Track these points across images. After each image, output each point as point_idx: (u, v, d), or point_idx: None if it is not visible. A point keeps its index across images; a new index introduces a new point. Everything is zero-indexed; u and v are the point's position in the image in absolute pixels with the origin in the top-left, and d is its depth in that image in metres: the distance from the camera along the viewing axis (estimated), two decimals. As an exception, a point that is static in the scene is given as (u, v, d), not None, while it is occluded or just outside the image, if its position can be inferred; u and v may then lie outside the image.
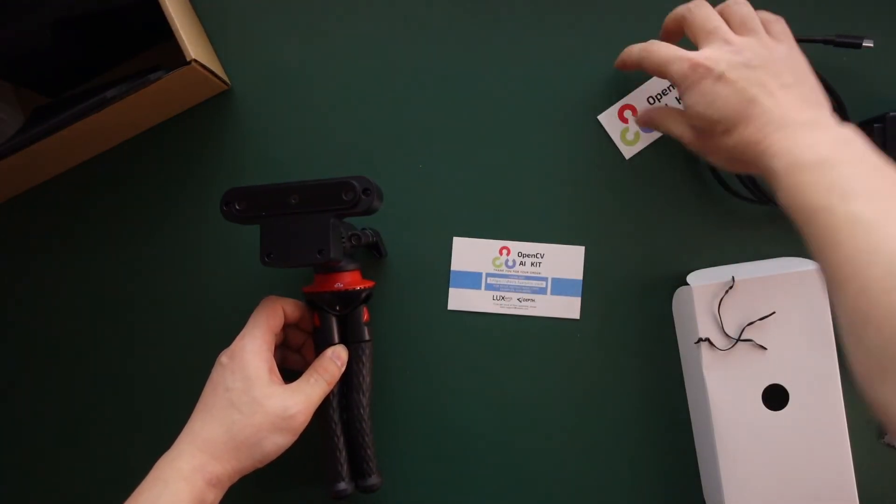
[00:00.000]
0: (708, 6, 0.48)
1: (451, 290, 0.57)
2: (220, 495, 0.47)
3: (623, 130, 0.57)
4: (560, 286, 0.57)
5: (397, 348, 0.57)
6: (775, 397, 0.52)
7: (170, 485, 0.44)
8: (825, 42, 0.55)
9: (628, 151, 0.57)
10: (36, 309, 0.58)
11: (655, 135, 0.57)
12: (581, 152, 0.57)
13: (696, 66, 0.46)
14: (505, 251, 0.57)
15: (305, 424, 0.49)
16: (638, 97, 0.57)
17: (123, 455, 0.58)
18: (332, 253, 0.47)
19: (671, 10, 0.51)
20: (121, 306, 0.58)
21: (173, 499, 0.44)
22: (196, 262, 0.58)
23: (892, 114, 0.52)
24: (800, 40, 0.55)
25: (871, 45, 0.54)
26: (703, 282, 0.53)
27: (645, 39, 0.51)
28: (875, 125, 0.53)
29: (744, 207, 0.56)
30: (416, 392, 0.57)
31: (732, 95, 0.45)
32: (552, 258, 0.57)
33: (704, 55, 0.46)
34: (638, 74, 0.57)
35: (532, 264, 0.57)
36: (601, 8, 0.58)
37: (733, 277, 0.52)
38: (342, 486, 0.51)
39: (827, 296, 0.51)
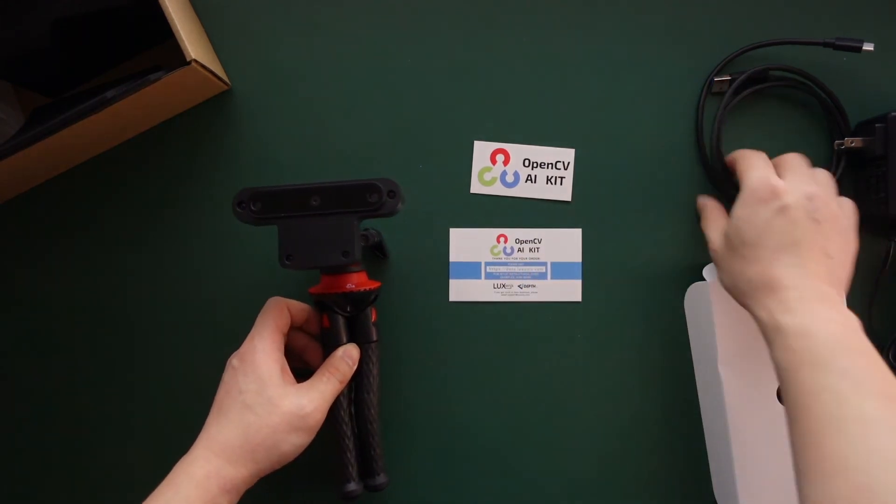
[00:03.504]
0: (805, 158, 0.50)
1: (452, 282, 0.57)
2: (234, 500, 0.46)
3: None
4: (560, 270, 0.57)
5: (401, 345, 0.57)
6: None
7: (181, 491, 0.44)
8: (825, 45, 0.55)
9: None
10: (36, 310, 0.58)
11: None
12: (582, 147, 0.57)
13: (769, 185, 0.47)
14: (502, 239, 0.57)
15: (321, 423, 0.49)
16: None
17: (128, 458, 0.57)
18: (357, 254, 0.47)
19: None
20: (121, 307, 0.58)
21: None
22: (196, 262, 0.58)
23: (892, 114, 0.52)
24: (800, 42, 0.55)
25: (872, 48, 0.54)
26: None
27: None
28: (875, 125, 0.53)
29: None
30: (422, 388, 0.57)
31: (780, 230, 0.45)
32: (550, 242, 0.57)
33: (782, 182, 0.47)
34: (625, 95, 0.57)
35: (530, 250, 0.57)
36: (605, 7, 0.58)
37: None
38: (352, 486, 0.51)
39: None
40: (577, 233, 0.57)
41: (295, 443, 0.48)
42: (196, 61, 0.50)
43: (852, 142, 0.54)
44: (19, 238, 0.59)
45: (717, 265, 0.50)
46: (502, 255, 0.57)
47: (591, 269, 0.57)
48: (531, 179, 0.57)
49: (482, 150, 0.58)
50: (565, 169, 0.57)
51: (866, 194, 0.55)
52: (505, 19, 0.58)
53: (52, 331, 0.58)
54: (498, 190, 0.57)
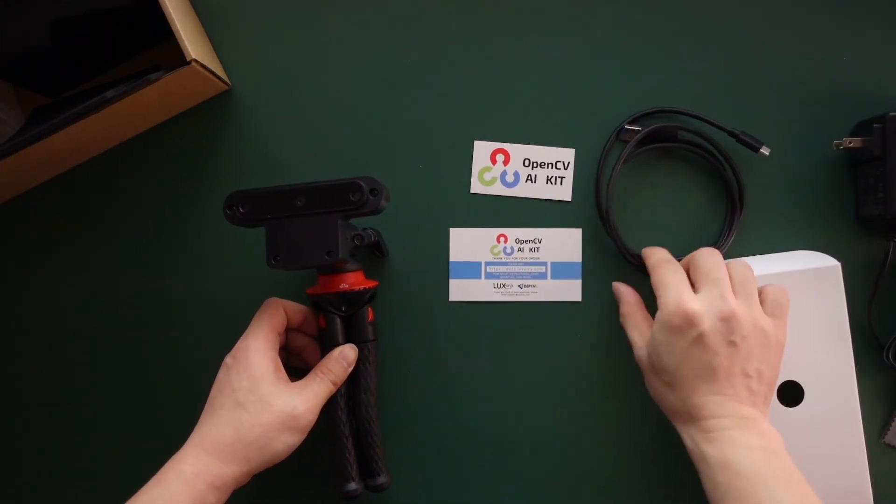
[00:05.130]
0: (719, 256, 0.49)
1: (452, 282, 0.57)
2: (223, 498, 0.46)
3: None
4: (560, 270, 0.57)
5: (401, 344, 0.57)
6: (790, 393, 0.52)
7: (169, 487, 0.44)
8: (730, 134, 0.55)
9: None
10: (36, 310, 0.58)
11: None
12: (580, 145, 0.57)
13: (684, 312, 0.46)
14: (502, 239, 0.57)
15: (313, 423, 0.49)
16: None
17: (125, 455, 0.58)
18: (341, 254, 0.47)
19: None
20: (120, 307, 0.58)
21: (169, 502, 0.44)
22: (196, 262, 0.58)
23: (892, 114, 0.52)
24: (709, 123, 0.56)
25: (767, 153, 0.55)
26: None
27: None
28: (875, 125, 0.53)
29: (753, 211, 0.56)
30: (422, 388, 0.57)
31: (697, 358, 0.46)
32: (550, 242, 0.57)
33: (697, 307, 0.46)
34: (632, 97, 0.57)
35: (530, 250, 0.57)
36: (605, 7, 0.58)
37: None
38: (352, 486, 0.51)
39: (843, 291, 0.51)
40: (577, 233, 0.57)
41: (287, 442, 0.48)
42: (196, 61, 0.50)
43: (850, 142, 0.54)
44: (19, 238, 0.59)
45: (643, 371, 0.50)
46: (502, 255, 0.57)
47: (591, 269, 0.57)
48: (531, 179, 0.57)
49: (482, 150, 0.58)
50: (565, 169, 0.57)
51: (865, 194, 0.55)
52: (505, 19, 0.58)
53: (51, 330, 0.58)
54: (498, 190, 0.58)
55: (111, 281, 0.58)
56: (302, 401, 0.48)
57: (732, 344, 0.45)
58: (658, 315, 0.48)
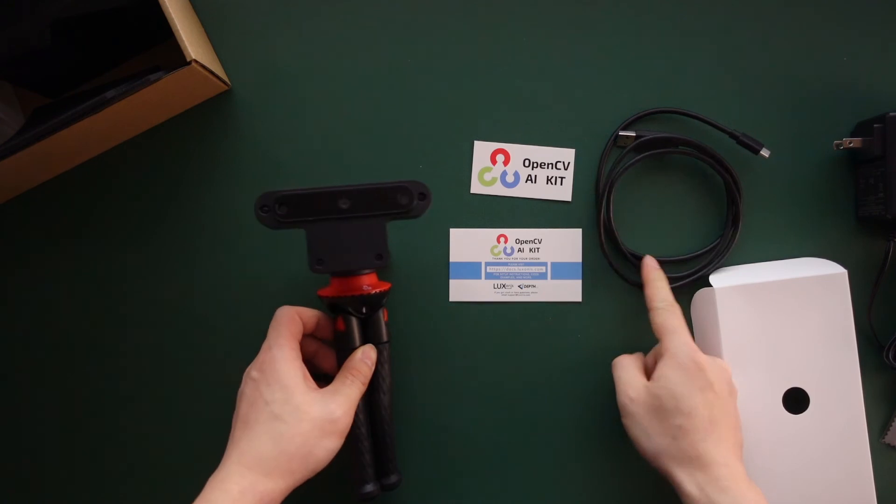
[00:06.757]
0: None
1: (452, 282, 0.57)
2: None
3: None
4: (560, 270, 0.57)
5: (402, 344, 0.57)
6: (796, 401, 0.52)
7: None
8: (731, 135, 0.55)
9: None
10: (36, 310, 0.58)
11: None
12: (580, 145, 0.57)
13: (695, 360, 0.48)
14: (502, 239, 0.57)
15: (350, 426, 0.49)
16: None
17: (127, 459, 0.57)
18: (389, 258, 0.48)
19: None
20: (120, 307, 0.58)
21: None
22: (195, 263, 0.58)
23: (891, 114, 0.52)
24: (708, 123, 0.56)
25: (767, 154, 0.55)
26: (726, 283, 0.52)
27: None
28: (875, 125, 0.53)
29: (754, 211, 0.56)
30: (422, 388, 0.57)
31: (708, 405, 0.47)
32: (550, 242, 0.57)
33: (705, 358, 0.48)
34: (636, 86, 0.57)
35: (531, 250, 0.57)
36: (605, 7, 0.58)
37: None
38: (370, 487, 0.51)
39: (849, 299, 0.51)
40: (577, 233, 0.57)
41: (328, 447, 0.47)
42: (196, 61, 0.50)
43: (850, 142, 0.54)
44: (19, 238, 0.59)
45: (630, 417, 0.49)
46: (502, 256, 0.57)
47: (591, 269, 0.57)
48: (531, 179, 0.57)
49: (482, 150, 0.58)
50: (565, 169, 0.57)
51: (865, 194, 0.55)
52: (505, 19, 0.58)
53: (52, 331, 0.58)
54: (498, 190, 0.58)
55: (110, 281, 0.58)
56: (337, 405, 0.48)
57: (731, 395, 0.49)
58: (670, 358, 0.49)
